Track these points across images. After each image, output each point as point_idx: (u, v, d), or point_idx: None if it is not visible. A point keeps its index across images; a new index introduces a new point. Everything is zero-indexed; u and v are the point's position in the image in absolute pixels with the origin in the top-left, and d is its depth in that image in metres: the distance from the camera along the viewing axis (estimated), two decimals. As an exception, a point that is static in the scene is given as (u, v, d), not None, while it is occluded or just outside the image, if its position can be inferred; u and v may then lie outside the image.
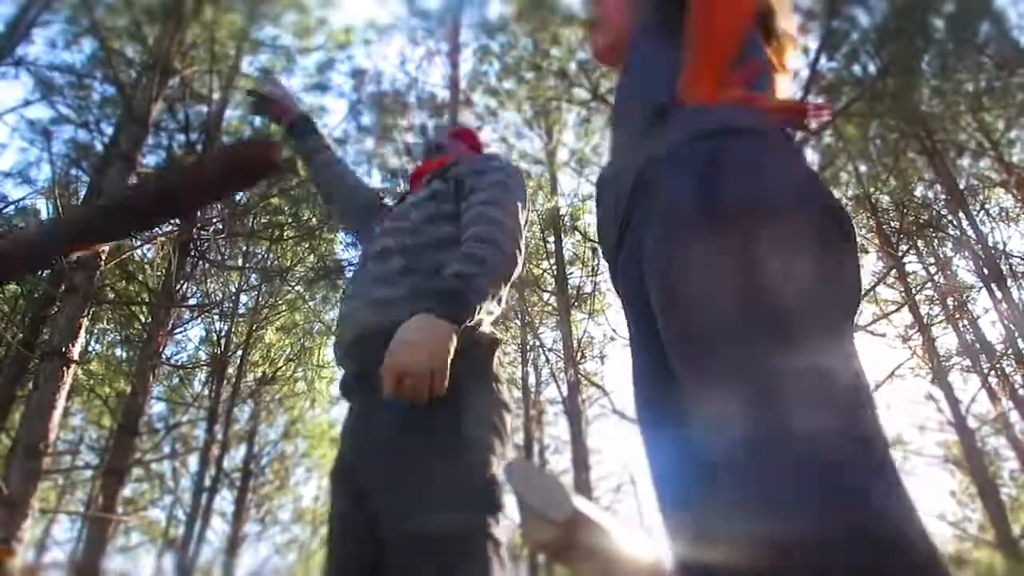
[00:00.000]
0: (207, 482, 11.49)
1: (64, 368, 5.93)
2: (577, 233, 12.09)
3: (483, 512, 1.17)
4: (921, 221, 10.26)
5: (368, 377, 1.26)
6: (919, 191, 10.98)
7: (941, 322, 10.56)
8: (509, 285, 1.34)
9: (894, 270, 10.26)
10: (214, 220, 9.30)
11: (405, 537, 1.14)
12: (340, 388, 1.44)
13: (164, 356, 9.67)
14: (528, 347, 13.26)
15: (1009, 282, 9.46)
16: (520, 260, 1.36)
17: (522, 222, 1.42)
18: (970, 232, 9.96)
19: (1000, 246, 9.84)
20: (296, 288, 10.92)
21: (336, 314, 1.48)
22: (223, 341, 10.60)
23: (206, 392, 11.03)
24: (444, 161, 1.72)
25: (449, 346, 1.14)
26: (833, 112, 8.74)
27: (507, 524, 1.20)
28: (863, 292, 1.01)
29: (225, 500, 13.31)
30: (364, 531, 1.22)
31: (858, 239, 0.89)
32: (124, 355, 10.39)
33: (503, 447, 1.24)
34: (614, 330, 11.26)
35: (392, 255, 1.41)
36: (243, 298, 11.21)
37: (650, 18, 1.12)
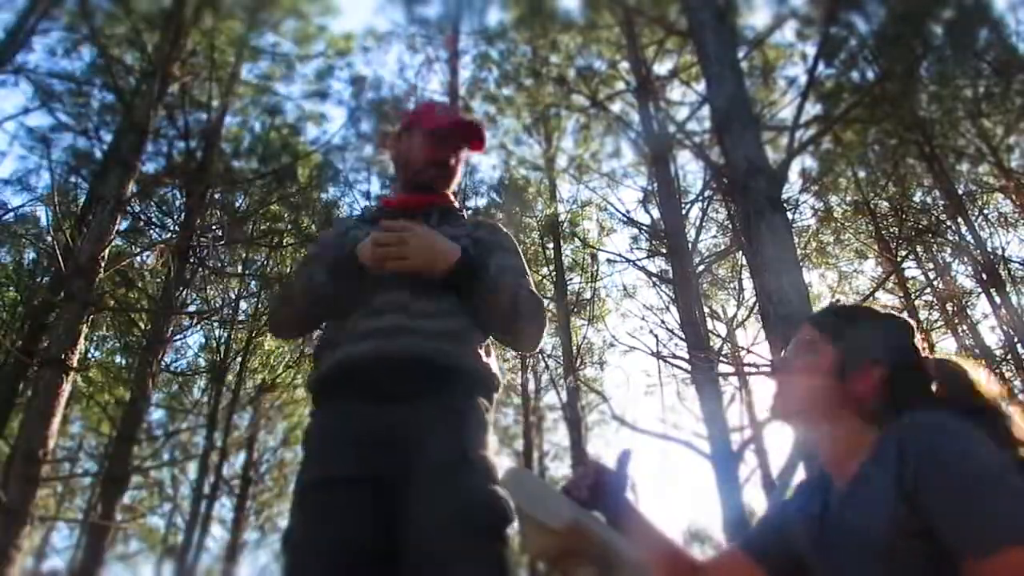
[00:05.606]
0: (206, 489, 11.47)
1: (63, 375, 5.93)
2: (576, 239, 12.08)
3: (505, 519, 1.33)
4: (920, 226, 10.27)
5: (418, 392, 1.43)
6: (918, 196, 11.00)
7: (940, 327, 10.55)
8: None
9: (893, 275, 10.27)
10: (213, 227, 9.32)
11: (450, 540, 1.27)
12: (355, 387, 1.47)
13: (163, 363, 9.67)
14: (527, 353, 13.25)
15: (1008, 287, 9.47)
16: None
17: None
18: (969, 237, 9.97)
19: (999, 251, 9.85)
20: (295, 294, 10.88)
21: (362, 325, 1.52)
22: (222, 348, 10.58)
23: (205, 399, 11.01)
24: (448, 202, 1.79)
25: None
26: (832, 118, 8.75)
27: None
28: None
29: (224, 507, 13.29)
30: (380, 524, 1.34)
31: None
32: (123, 362, 10.38)
33: None
34: (613, 336, 11.25)
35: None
36: (242, 304, 11.19)
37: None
